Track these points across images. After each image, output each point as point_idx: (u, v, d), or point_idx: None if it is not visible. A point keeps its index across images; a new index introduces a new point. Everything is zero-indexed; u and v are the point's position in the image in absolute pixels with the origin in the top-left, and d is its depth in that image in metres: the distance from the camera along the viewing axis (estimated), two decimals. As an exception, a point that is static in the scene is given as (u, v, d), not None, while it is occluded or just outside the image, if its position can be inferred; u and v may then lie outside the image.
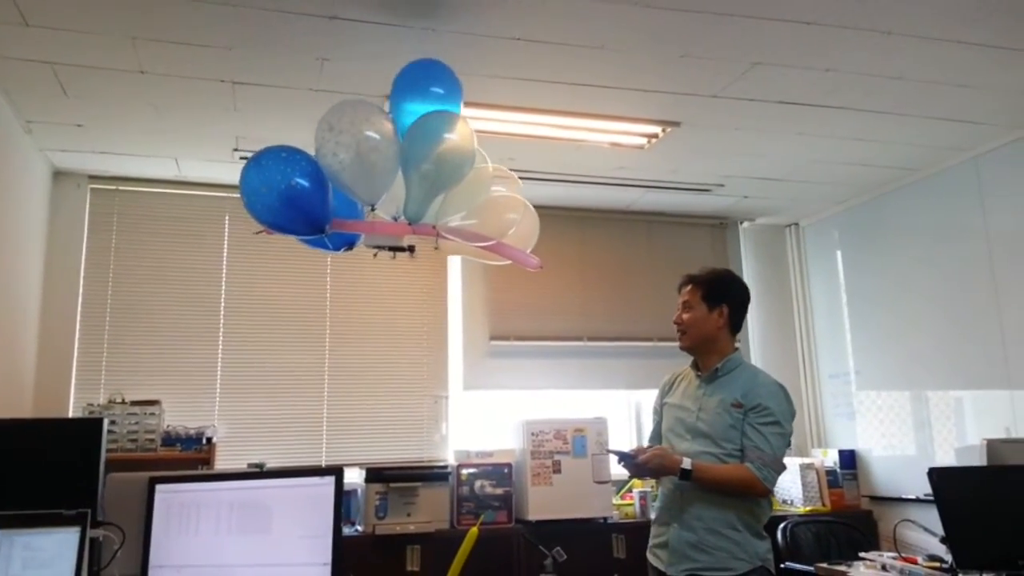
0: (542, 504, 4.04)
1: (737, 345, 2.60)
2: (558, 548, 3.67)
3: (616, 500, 4.36)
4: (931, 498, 4.23)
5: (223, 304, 4.32)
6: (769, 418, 2.37)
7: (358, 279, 4.52)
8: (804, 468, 4.69)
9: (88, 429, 2.56)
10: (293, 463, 4.20)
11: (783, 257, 5.43)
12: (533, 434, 4.12)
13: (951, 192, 4.26)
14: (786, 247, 5.43)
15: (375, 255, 2.60)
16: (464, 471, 4.06)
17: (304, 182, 2.30)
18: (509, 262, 2.79)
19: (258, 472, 2.18)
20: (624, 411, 4.98)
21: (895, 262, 4.63)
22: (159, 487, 2.01)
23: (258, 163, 2.32)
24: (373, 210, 2.45)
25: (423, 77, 2.57)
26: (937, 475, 2.52)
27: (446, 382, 4.55)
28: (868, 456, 4.80)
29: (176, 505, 1.98)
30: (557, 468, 4.10)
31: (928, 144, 4.02)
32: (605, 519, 4.16)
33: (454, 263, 4.72)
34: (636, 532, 4.15)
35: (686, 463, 2.40)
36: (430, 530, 3.87)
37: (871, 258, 4.82)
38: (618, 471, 4.30)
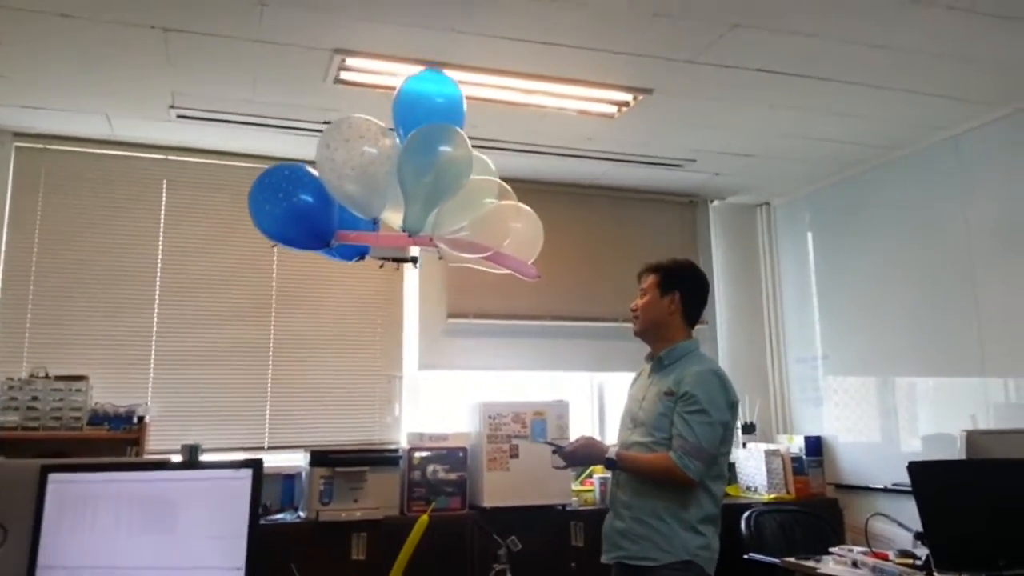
0: (498, 490, 3.84)
1: (694, 336, 2.52)
2: (513, 538, 3.48)
3: (575, 486, 4.17)
4: (899, 488, 4.20)
5: (159, 274, 4.02)
6: (695, 406, 2.28)
7: (304, 259, 4.24)
8: (769, 455, 4.55)
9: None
10: (233, 445, 3.95)
11: (753, 238, 5.27)
12: (490, 417, 3.91)
13: (930, 172, 4.11)
14: (756, 227, 5.27)
15: (381, 266, 2.66)
16: (416, 455, 3.84)
17: (307, 198, 2.42)
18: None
19: (164, 463, 1.95)
20: (586, 393, 4.79)
21: (869, 244, 4.48)
22: (52, 476, 1.74)
23: (262, 181, 2.45)
24: (376, 224, 2.53)
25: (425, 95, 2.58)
26: (916, 469, 2.36)
27: (400, 361, 4.32)
28: (835, 443, 4.68)
29: (71, 498, 1.72)
30: (514, 453, 3.90)
31: (908, 121, 3.85)
32: (564, 506, 3.97)
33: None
34: (595, 519, 3.94)
35: (611, 452, 2.42)
36: (378, 517, 3.65)
37: (843, 240, 4.68)
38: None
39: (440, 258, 2.58)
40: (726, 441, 2.34)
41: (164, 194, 4.11)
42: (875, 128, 3.94)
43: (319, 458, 3.67)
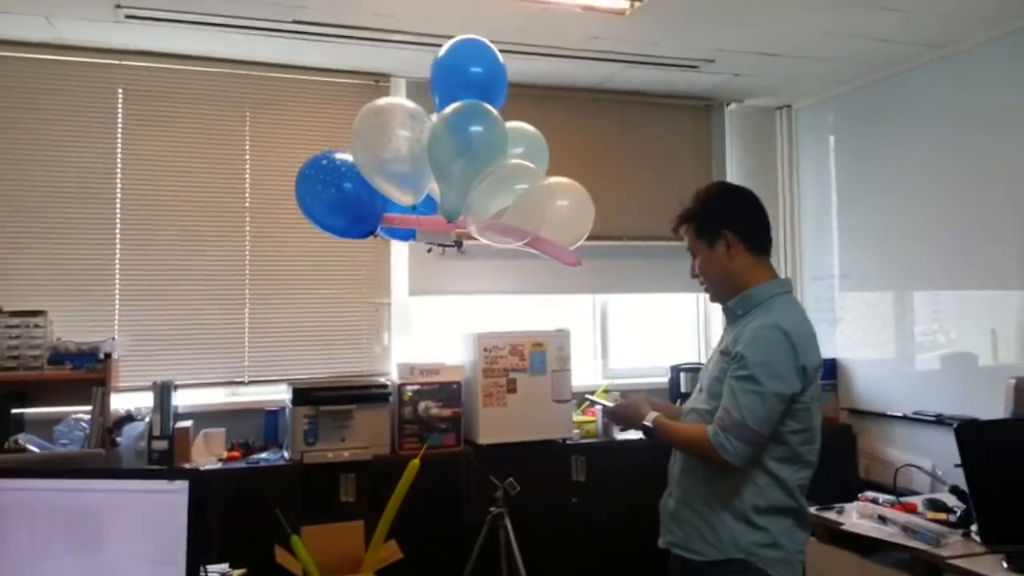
0: (494, 427, 3.60)
1: (776, 275, 2.04)
2: (510, 480, 3.27)
3: (577, 416, 3.94)
4: (920, 417, 3.98)
5: (119, 195, 3.64)
6: (742, 371, 1.86)
7: (282, 164, 3.85)
8: (782, 379, 4.29)
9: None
10: (210, 380, 3.69)
11: (771, 144, 4.84)
12: (486, 349, 3.63)
13: (976, 74, 3.66)
14: (775, 133, 4.83)
15: (429, 250, 2.70)
16: (407, 390, 3.58)
17: (349, 186, 2.47)
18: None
19: (87, 470, 1.67)
20: (589, 322, 4.50)
21: (897, 152, 4.07)
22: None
23: (303, 175, 2.54)
24: (415, 210, 2.51)
25: (462, 62, 2.54)
26: (965, 432, 2.08)
27: (388, 287, 4.00)
28: (850, 366, 4.42)
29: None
30: (512, 387, 3.64)
31: (962, 15, 3.37)
32: (564, 440, 3.75)
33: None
34: (597, 452, 3.78)
35: (648, 418, 2.05)
36: (367, 457, 3.42)
37: (869, 146, 4.26)
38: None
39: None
40: (797, 417, 1.87)
41: (120, 104, 3.67)
42: (922, 24, 3.46)
43: (302, 396, 3.41)
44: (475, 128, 2.31)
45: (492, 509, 3.25)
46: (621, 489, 3.71)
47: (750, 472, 1.89)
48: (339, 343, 3.89)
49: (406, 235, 2.74)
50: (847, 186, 4.44)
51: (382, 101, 2.49)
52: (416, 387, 3.59)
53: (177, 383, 3.54)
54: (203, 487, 1.41)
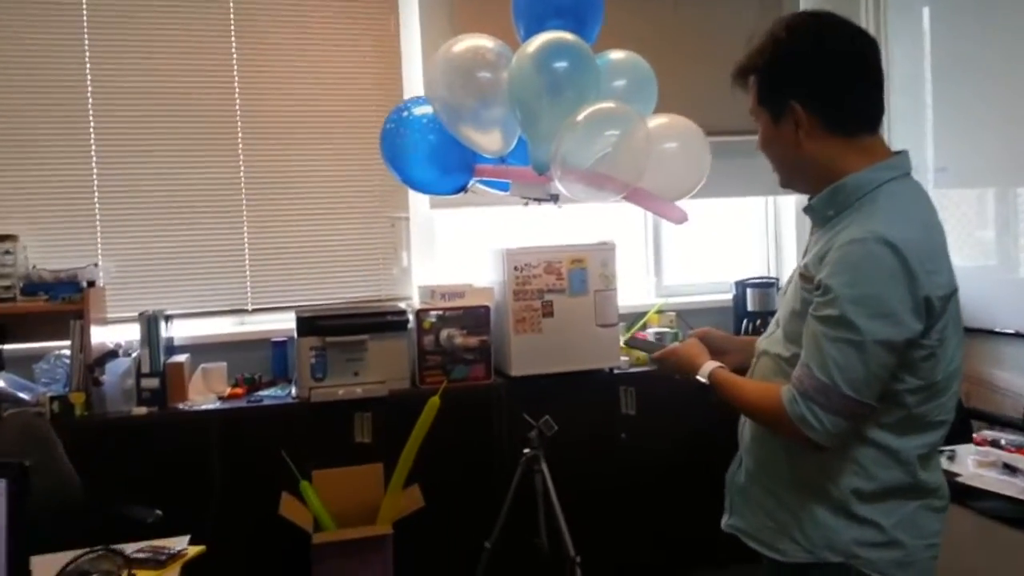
0: (528, 356, 3.13)
1: (884, 154, 1.40)
2: (546, 418, 2.80)
3: (625, 340, 3.43)
4: None
5: (90, 99, 3.17)
6: (829, 310, 1.30)
7: (276, 57, 3.33)
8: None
9: None
10: (209, 309, 3.29)
11: (854, 15, 4.07)
12: (516, 268, 3.12)
13: None
14: (859, 2, 4.07)
15: (525, 204, 2.55)
16: (427, 317, 3.12)
17: (431, 139, 2.44)
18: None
19: None
20: (639, 232, 3.93)
21: (1008, 23, 3.32)
22: None
23: (385, 130, 2.55)
24: (504, 161, 2.41)
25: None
26: None
27: (406, 199, 3.49)
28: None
29: None
30: (548, 311, 3.15)
31: None
32: (611, 369, 3.26)
33: (411, 27, 3.48)
34: (648, 382, 3.29)
35: (704, 370, 1.55)
36: (383, 393, 3.00)
37: (971, 19, 3.50)
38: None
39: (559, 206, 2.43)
40: (917, 369, 1.32)
41: (87, -3, 3.18)
42: None
43: (307, 325, 2.98)
44: (560, 64, 2.11)
45: (526, 451, 2.82)
46: (679, 421, 3.23)
47: (849, 445, 1.36)
48: (353, 265, 3.43)
49: (504, 187, 2.56)
50: (948, 60, 3.71)
51: (459, 44, 2.30)
52: (438, 313, 3.12)
53: (172, 313, 3.16)
54: (23, 483, 0.97)
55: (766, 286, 3.60)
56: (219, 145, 3.27)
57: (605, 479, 3.20)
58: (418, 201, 3.51)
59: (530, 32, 2.30)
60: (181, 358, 3.03)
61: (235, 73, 3.29)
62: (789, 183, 1.51)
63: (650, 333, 3.42)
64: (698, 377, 1.55)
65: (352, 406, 2.97)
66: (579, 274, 3.16)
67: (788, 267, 4.07)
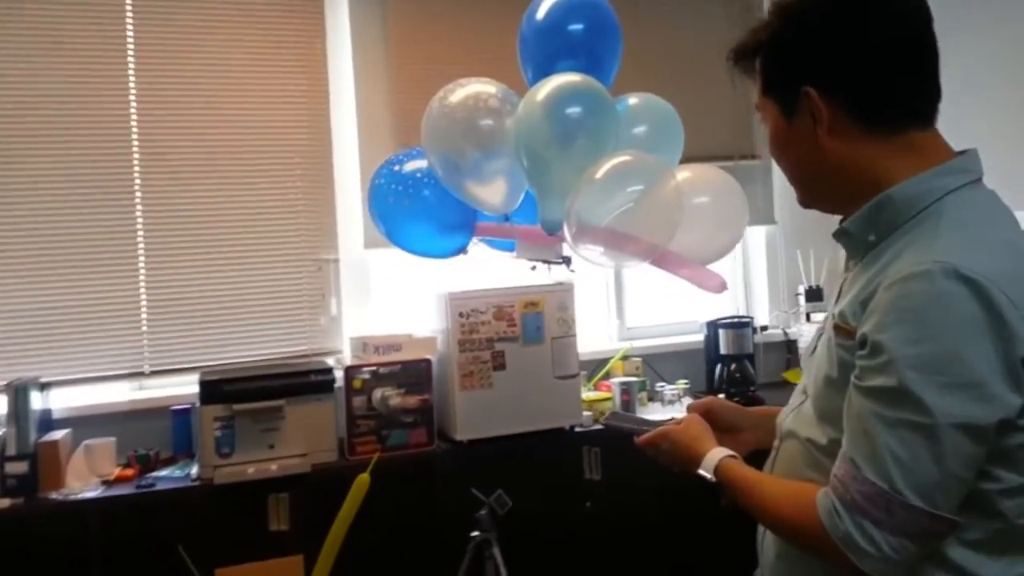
0: (477, 416, 2.69)
1: (943, 156, 1.04)
2: (499, 493, 2.37)
3: (587, 393, 3.02)
4: None
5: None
6: (880, 378, 0.92)
7: (180, 76, 2.89)
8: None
9: None
10: (97, 374, 2.78)
11: None
12: (461, 314, 2.70)
13: None
14: None
15: (533, 268, 2.39)
16: (358, 375, 2.66)
17: (426, 195, 2.31)
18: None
19: None
20: (596, 270, 3.54)
21: None
22: None
23: (374, 185, 2.41)
24: (508, 220, 2.25)
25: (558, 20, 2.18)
26: None
27: (335, 238, 3.06)
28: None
29: None
30: (499, 362, 2.72)
31: None
32: (572, 427, 2.84)
33: (340, 44, 3.08)
34: (615, 442, 2.83)
35: (708, 461, 1.15)
36: (304, 469, 2.53)
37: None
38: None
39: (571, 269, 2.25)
40: (1012, 462, 0.93)
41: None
42: None
43: (211, 390, 2.51)
44: (574, 110, 1.95)
45: (475, 534, 2.37)
46: (651, 487, 2.81)
47: (917, 572, 0.96)
48: (273, 316, 2.97)
49: (509, 247, 2.42)
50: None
51: (458, 91, 2.13)
52: (371, 369, 2.67)
53: (51, 380, 2.65)
54: None
55: (740, 326, 3.23)
56: (110, 178, 2.80)
57: (569, 560, 2.74)
58: (349, 240, 3.08)
59: (538, 75, 2.10)
60: (59, 435, 2.51)
61: (131, 94, 2.83)
62: (811, 199, 1.13)
63: (614, 383, 3.01)
64: (700, 472, 1.14)
65: (266, 487, 2.48)
66: (534, 319, 2.74)
67: (760, 305, 3.73)
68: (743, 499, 1.09)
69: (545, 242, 2.19)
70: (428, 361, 2.72)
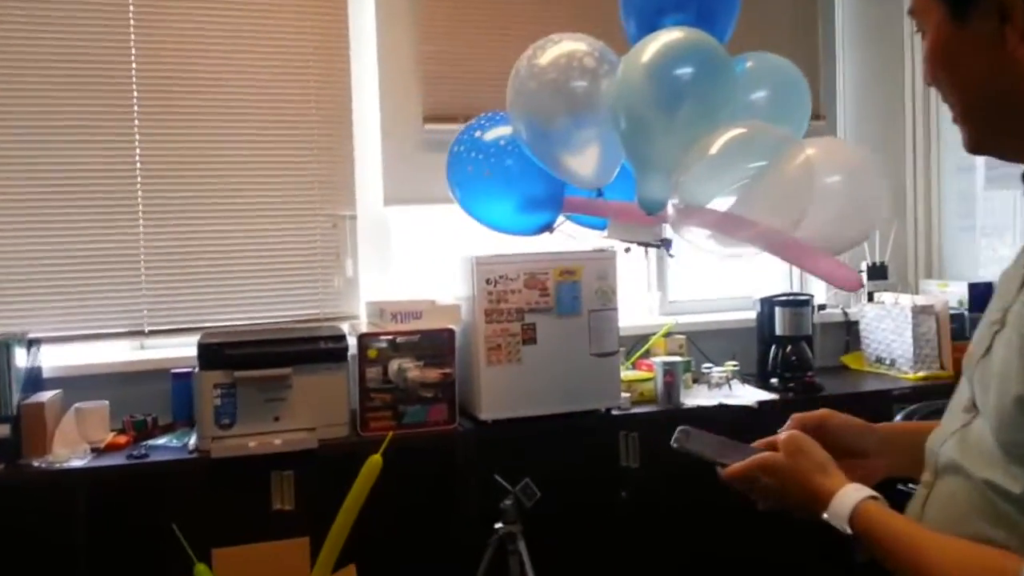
0: (503, 395, 2.43)
1: None
2: (526, 481, 2.12)
3: (625, 373, 2.74)
4: None
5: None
6: None
7: (193, 13, 2.62)
8: (917, 313, 3.03)
9: None
10: (93, 332, 2.56)
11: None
12: (489, 281, 2.42)
13: None
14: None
15: (627, 250, 2.25)
16: (373, 344, 2.41)
17: (509, 165, 2.15)
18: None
19: None
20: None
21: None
22: None
23: (453, 153, 2.26)
24: (601, 195, 2.07)
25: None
26: None
27: (352, 193, 2.79)
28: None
29: None
30: (530, 336, 2.45)
31: None
32: (608, 410, 2.56)
33: (360, -5, 2.79)
34: (655, 426, 2.59)
35: (838, 508, 0.84)
36: (311, 445, 2.29)
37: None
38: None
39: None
40: None
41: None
42: None
43: (211, 354, 2.27)
44: (684, 71, 1.75)
45: (499, 526, 2.12)
46: (692, 478, 2.52)
47: None
48: (283, 276, 2.72)
49: (600, 225, 2.27)
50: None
51: (549, 50, 1.93)
52: (388, 338, 2.42)
53: (40, 336, 2.43)
54: None
55: (799, 304, 2.91)
56: (107, 118, 2.55)
57: (601, 556, 2.49)
58: (368, 196, 2.81)
59: (643, 31, 1.89)
60: (46, 396, 2.30)
61: (131, 27, 2.57)
62: (989, 136, 0.83)
63: (656, 363, 2.72)
64: (827, 518, 0.85)
65: (269, 462, 2.25)
66: (570, 289, 2.46)
67: (816, 282, 3.40)
68: (895, 562, 0.80)
69: (642, 222, 2.00)
70: (451, 331, 2.45)
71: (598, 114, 1.91)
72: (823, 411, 1.03)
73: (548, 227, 2.24)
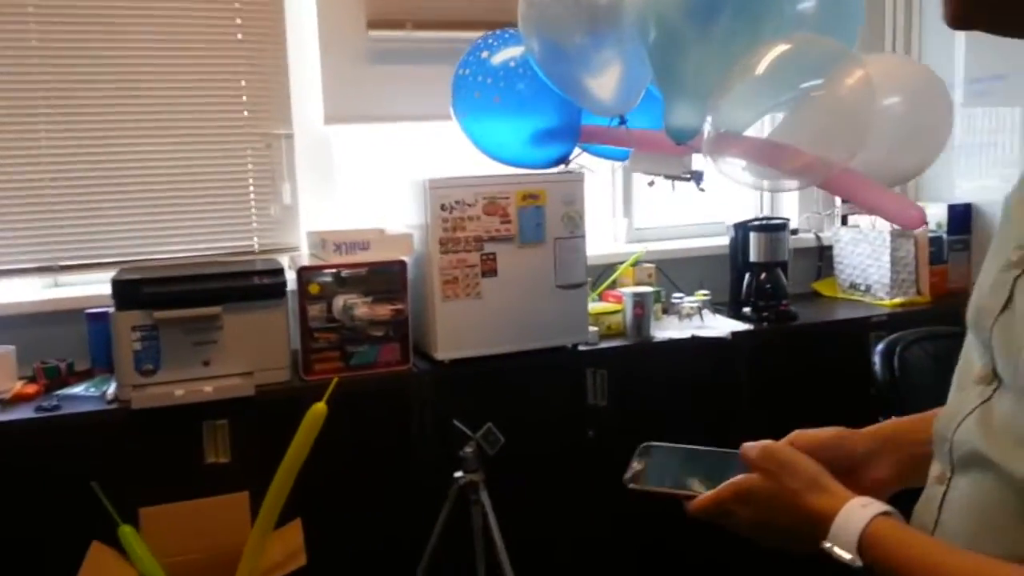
0: (462, 332, 2.21)
1: None
2: (489, 426, 1.93)
3: (592, 305, 2.55)
4: None
5: None
6: None
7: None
8: (896, 236, 2.88)
9: None
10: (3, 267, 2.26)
11: None
12: (444, 207, 2.17)
13: None
14: None
15: (651, 184, 2.08)
16: (315, 278, 2.16)
17: (520, 89, 2.01)
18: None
19: None
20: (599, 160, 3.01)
21: None
22: None
23: (458, 77, 2.13)
24: (623, 123, 1.90)
25: None
26: None
27: (288, 110, 2.49)
28: (991, 214, 3.01)
29: None
30: (490, 267, 2.22)
31: None
32: (575, 345, 2.38)
33: None
34: (627, 361, 2.43)
35: (842, 531, 0.63)
36: (247, 391, 2.06)
37: None
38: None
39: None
40: None
41: None
42: None
43: (128, 292, 2.00)
44: None
45: (459, 475, 1.94)
46: (662, 416, 2.38)
47: None
48: (212, 203, 2.43)
49: (621, 156, 2.14)
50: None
51: None
52: (332, 272, 2.17)
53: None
54: None
55: (776, 228, 2.74)
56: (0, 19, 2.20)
57: (567, 500, 2.34)
58: (306, 113, 2.52)
59: None
60: (-59, 342, 2.02)
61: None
62: (972, 5, 0.62)
63: (625, 294, 2.53)
64: (828, 546, 0.65)
65: (199, 412, 2.02)
66: (533, 215, 2.23)
67: (787, 204, 3.23)
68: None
69: (670, 151, 1.81)
70: (402, 263, 2.21)
71: (622, 29, 1.70)
72: (787, 437, 0.82)
73: (564, 159, 2.09)
